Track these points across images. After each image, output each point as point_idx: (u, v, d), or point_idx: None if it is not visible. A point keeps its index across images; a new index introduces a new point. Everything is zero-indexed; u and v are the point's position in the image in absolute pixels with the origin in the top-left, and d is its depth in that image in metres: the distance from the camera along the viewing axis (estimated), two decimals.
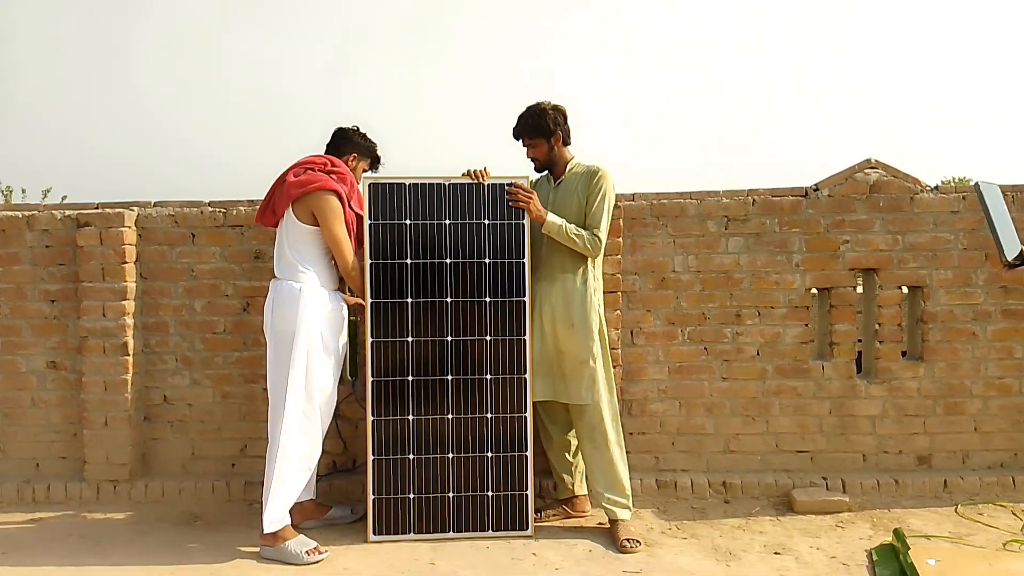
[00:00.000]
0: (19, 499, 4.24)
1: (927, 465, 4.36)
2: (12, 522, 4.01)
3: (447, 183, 3.82)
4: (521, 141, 3.92)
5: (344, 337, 3.80)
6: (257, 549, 3.61)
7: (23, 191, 13.60)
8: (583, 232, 3.72)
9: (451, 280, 3.80)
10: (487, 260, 3.81)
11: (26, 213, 4.37)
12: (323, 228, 3.63)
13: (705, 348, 4.36)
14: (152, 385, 4.40)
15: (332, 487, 4.22)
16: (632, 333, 4.34)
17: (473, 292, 3.80)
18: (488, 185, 3.83)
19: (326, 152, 3.89)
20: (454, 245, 3.81)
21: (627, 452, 4.30)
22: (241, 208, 4.35)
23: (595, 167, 3.84)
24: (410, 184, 3.80)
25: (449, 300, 3.81)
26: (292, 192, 3.62)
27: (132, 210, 4.34)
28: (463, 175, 3.84)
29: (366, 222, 3.80)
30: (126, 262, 4.24)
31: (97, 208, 4.35)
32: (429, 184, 3.81)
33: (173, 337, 4.38)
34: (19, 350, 4.36)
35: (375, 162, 4.00)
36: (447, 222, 3.81)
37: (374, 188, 3.78)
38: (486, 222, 3.82)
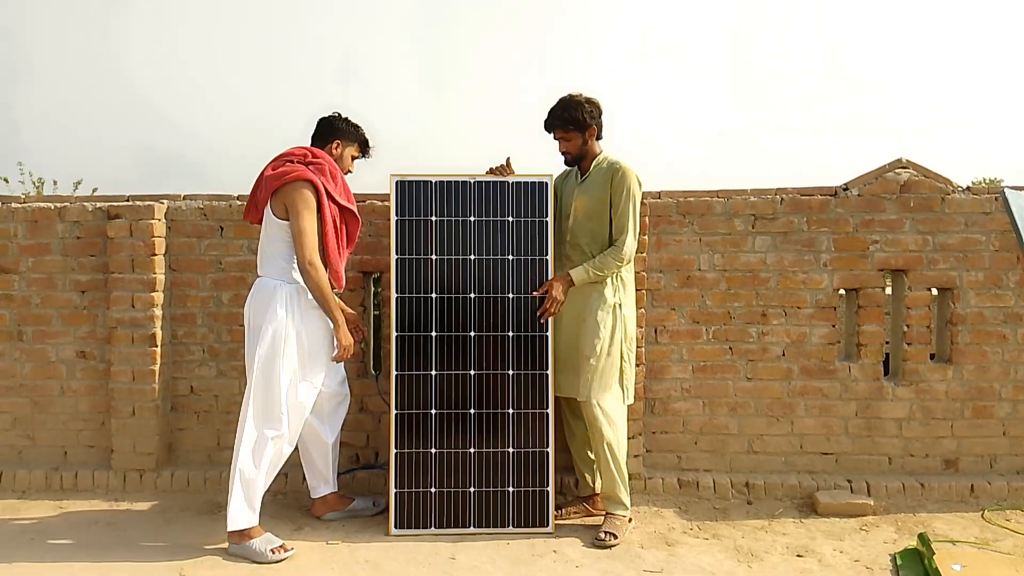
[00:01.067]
0: (47, 486, 4.31)
1: (954, 469, 4.31)
2: (40, 509, 4.08)
3: (472, 180, 3.87)
4: (553, 134, 3.87)
5: (328, 334, 3.66)
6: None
7: (54, 182, 13.75)
8: (606, 259, 3.70)
9: (474, 277, 3.83)
10: (510, 257, 3.84)
11: (58, 204, 4.43)
12: (291, 219, 3.51)
13: (730, 347, 4.33)
14: (179, 375, 4.44)
15: (355, 480, 4.25)
16: (656, 331, 4.32)
17: (496, 289, 3.82)
18: (512, 183, 3.87)
19: (311, 144, 3.79)
20: (478, 241, 3.84)
21: (649, 451, 4.32)
22: None
23: (617, 164, 3.79)
24: (436, 181, 3.86)
25: (472, 296, 3.83)
26: (270, 185, 3.54)
27: (162, 203, 4.38)
28: (487, 172, 3.87)
29: (392, 218, 3.83)
30: (155, 254, 4.28)
31: (128, 200, 4.40)
32: (454, 181, 3.87)
33: (200, 328, 4.42)
34: (49, 339, 4.43)
35: (363, 145, 3.84)
36: (472, 219, 3.85)
37: (401, 185, 3.86)
38: (510, 219, 3.85)
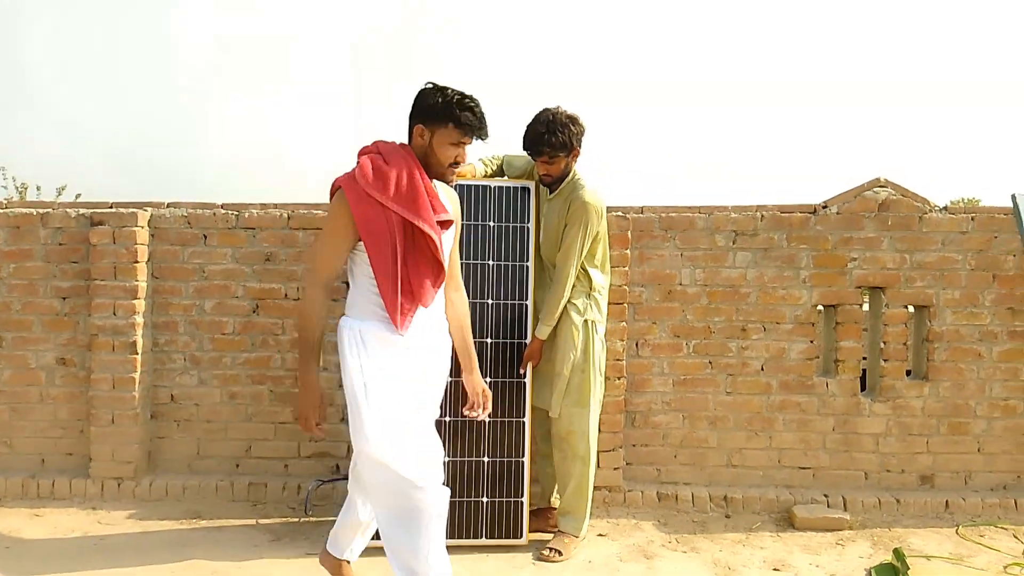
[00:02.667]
0: (23, 494, 4.27)
1: (929, 485, 4.36)
2: (16, 517, 4.04)
3: (455, 184, 3.79)
4: (536, 155, 3.59)
5: (409, 370, 2.76)
6: (256, 545, 3.63)
7: (38, 188, 13.67)
8: (549, 305, 3.64)
9: None
10: (491, 262, 3.80)
11: (40, 210, 4.42)
12: None
13: (710, 361, 4.37)
14: (160, 383, 4.43)
15: (336, 490, 4.24)
16: (637, 344, 4.35)
17: (476, 294, 3.77)
18: (495, 187, 3.81)
19: None
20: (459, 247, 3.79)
21: (629, 463, 4.34)
22: (253, 211, 4.39)
23: (579, 190, 3.57)
24: None
25: None
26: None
27: (145, 210, 4.38)
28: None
29: None
30: (138, 261, 4.28)
31: (111, 207, 4.39)
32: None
33: (182, 336, 4.41)
34: (29, 345, 4.40)
35: (467, 126, 2.67)
36: None
37: None
38: (491, 224, 3.80)
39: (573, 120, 3.59)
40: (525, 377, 3.77)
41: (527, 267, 3.80)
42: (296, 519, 4.05)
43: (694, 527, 4.07)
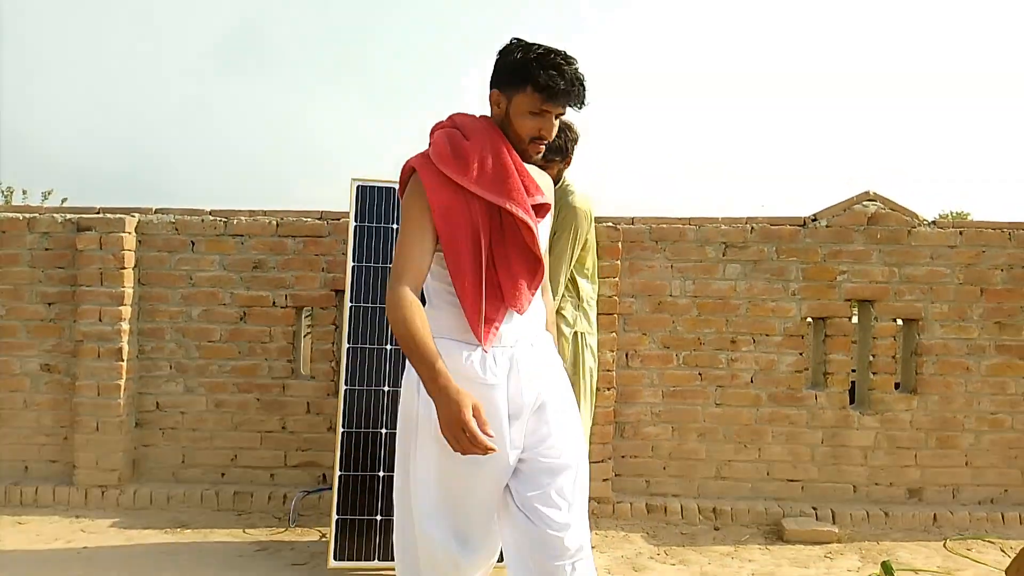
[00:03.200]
0: (6, 501, 4.22)
1: (917, 498, 4.36)
2: None
3: None
4: None
5: (494, 411, 2.05)
6: (241, 555, 3.59)
7: (24, 192, 13.63)
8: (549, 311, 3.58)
9: None
10: None
11: (27, 215, 4.38)
12: None
13: (700, 373, 4.36)
14: (145, 391, 4.39)
15: (321, 500, 4.21)
16: (627, 355, 4.34)
17: None
18: None
19: None
20: None
21: (618, 475, 4.32)
22: (242, 218, 4.37)
23: (569, 197, 3.51)
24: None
25: None
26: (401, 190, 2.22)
27: (133, 216, 4.35)
28: None
29: (351, 224, 3.63)
30: (125, 267, 4.24)
31: (99, 213, 4.36)
32: None
33: (169, 344, 4.38)
34: (14, 351, 4.36)
35: (549, 89, 2.03)
36: None
37: (362, 190, 3.72)
38: None
39: (568, 127, 3.56)
40: None
41: None
42: (282, 529, 4.02)
43: (683, 539, 4.05)
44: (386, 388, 3.61)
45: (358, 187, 3.73)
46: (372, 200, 3.73)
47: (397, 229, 3.61)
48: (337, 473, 3.53)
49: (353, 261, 3.68)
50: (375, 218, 3.71)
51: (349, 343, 3.62)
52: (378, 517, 3.49)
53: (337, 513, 3.48)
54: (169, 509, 4.21)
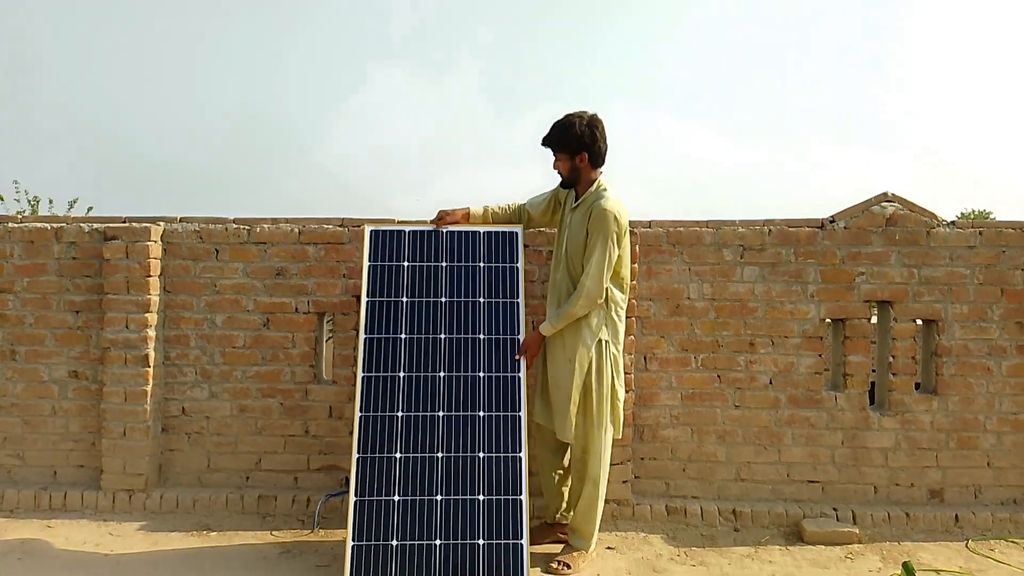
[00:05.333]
0: (36, 506, 4.30)
1: (939, 499, 4.35)
2: (28, 529, 4.07)
3: (444, 230, 3.97)
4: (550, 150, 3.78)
5: None
6: (266, 558, 3.64)
7: (50, 201, 13.80)
8: (566, 308, 3.64)
9: (445, 318, 3.83)
10: (482, 299, 3.86)
11: (54, 225, 4.47)
12: None
13: (718, 376, 4.38)
14: (171, 397, 4.46)
15: (344, 504, 4.25)
16: (646, 358, 4.36)
17: (468, 330, 3.81)
18: (484, 233, 3.97)
19: None
20: (450, 285, 3.88)
21: (637, 477, 4.34)
22: (264, 226, 4.43)
23: (601, 199, 3.65)
24: (410, 231, 3.99)
25: (443, 337, 3.81)
26: None
27: (158, 225, 4.42)
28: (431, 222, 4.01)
29: (365, 263, 3.90)
30: (150, 275, 4.32)
31: (124, 222, 4.44)
32: (427, 231, 4.00)
33: (193, 350, 4.45)
34: (42, 359, 4.44)
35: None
36: (444, 264, 3.92)
37: (375, 234, 3.97)
38: (481, 264, 3.90)
39: (588, 123, 3.70)
40: (520, 371, 3.75)
41: (517, 303, 3.85)
42: (306, 532, 4.07)
43: (703, 541, 4.06)
44: (400, 414, 3.69)
45: (371, 231, 3.97)
46: (385, 243, 3.96)
47: (408, 267, 3.91)
48: (352, 499, 3.53)
49: (367, 296, 3.87)
50: (387, 257, 3.94)
51: (364, 372, 3.74)
52: (393, 542, 3.47)
53: (353, 539, 3.45)
54: (194, 513, 4.27)
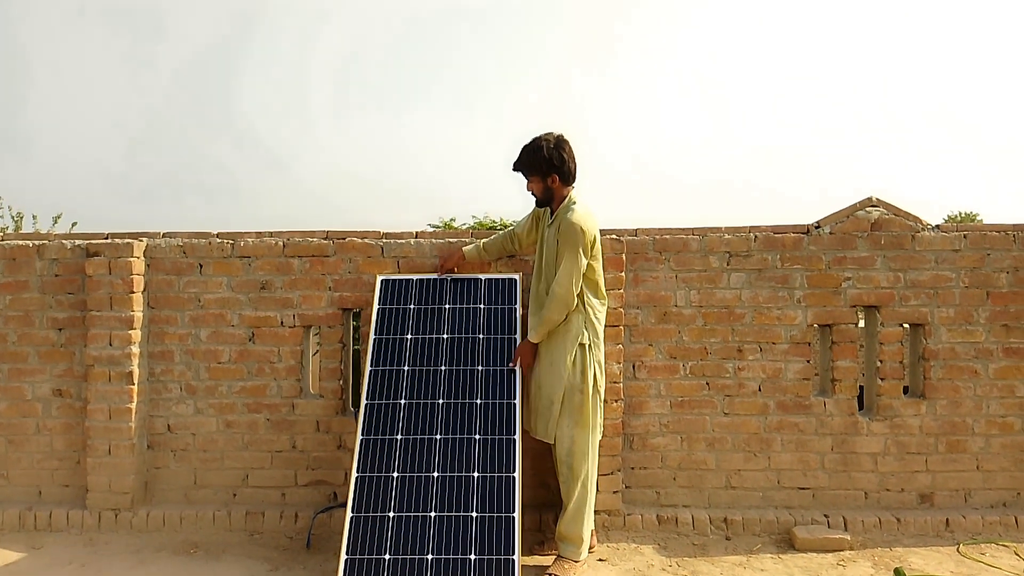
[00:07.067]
0: (20, 525, 4.25)
1: (929, 503, 4.34)
2: (13, 549, 4.02)
3: (448, 278, 4.23)
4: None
5: None
6: (254, 575, 3.61)
7: (34, 217, 13.72)
8: (543, 314, 3.75)
9: (446, 352, 4.03)
10: (481, 336, 4.04)
11: (36, 242, 4.43)
12: None
13: (707, 382, 4.37)
14: (156, 413, 4.42)
15: (333, 519, 4.22)
16: (634, 366, 4.35)
17: (466, 362, 3.98)
18: (484, 280, 4.19)
19: None
20: (451, 322, 4.10)
21: (628, 487, 4.32)
22: (248, 239, 4.40)
23: (568, 214, 3.74)
24: (417, 279, 4.24)
25: (444, 368, 3.97)
26: None
27: (141, 240, 4.39)
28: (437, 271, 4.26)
29: (375, 306, 4.16)
30: (134, 291, 4.28)
31: (107, 238, 4.40)
32: (433, 279, 4.24)
33: (178, 366, 4.41)
34: (25, 377, 4.40)
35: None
36: (447, 306, 4.15)
37: (385, 283, 4.23)
38: (481, 306, 4.13)
39: (555, 144, 3.82)
40: (515, 399, 3.84)
41: (514, 339, 4.02)
42: (294, 548, 4.03)
43: (694, 550, 4.05)
44: (399, 437, 3.81)
45: (382, 280, 4.24)
46: (393, 290, 4.22)
47: (414, 309, 4.17)
48: (349, 515, 3.60)
49: (375, 335, 4.09)
50: (395, 301, 4.19)
51: (367, 399, 3.91)
52: (387, 556, 3.50)
53: (347, 553, 3.50)
54: (181, 530, 4.23)
